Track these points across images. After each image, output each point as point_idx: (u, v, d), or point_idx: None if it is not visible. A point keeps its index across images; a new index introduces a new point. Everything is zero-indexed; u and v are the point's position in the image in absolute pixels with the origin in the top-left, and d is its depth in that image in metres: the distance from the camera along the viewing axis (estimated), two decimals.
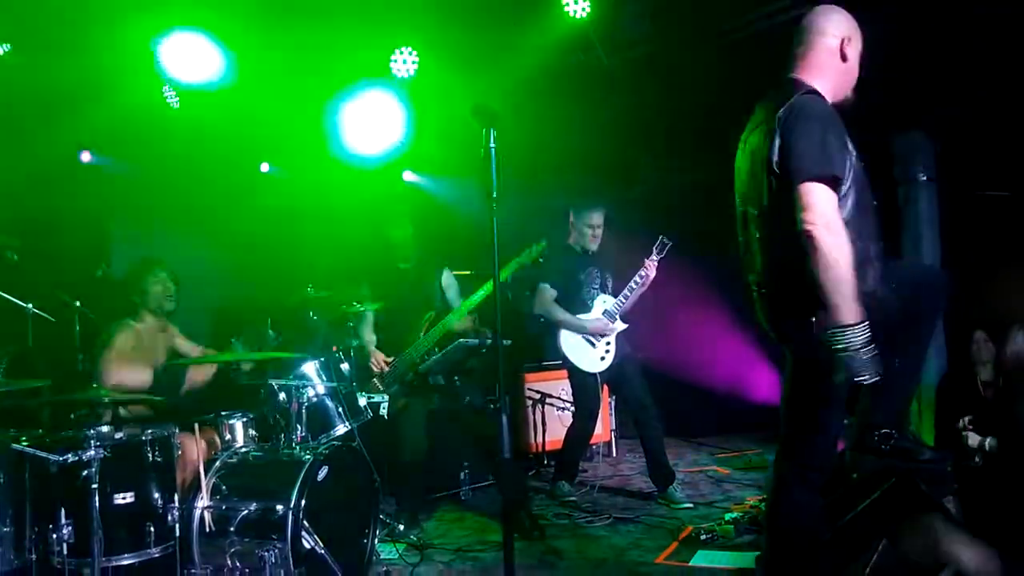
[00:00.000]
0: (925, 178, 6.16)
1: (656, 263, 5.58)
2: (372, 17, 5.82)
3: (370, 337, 5.29)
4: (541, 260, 5.30)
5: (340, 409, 4.42)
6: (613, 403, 7.23)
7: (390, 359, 5.20)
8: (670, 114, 7.05)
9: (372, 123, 6.62)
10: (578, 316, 5.56)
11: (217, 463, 3.90)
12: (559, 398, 6.78)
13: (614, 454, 7.35)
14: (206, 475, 3.81)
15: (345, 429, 4.43)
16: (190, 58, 5.66)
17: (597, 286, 5.65)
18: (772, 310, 3.00)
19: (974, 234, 5.94)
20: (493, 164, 2.97)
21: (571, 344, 5.57)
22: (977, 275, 5.68)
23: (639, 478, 6.28)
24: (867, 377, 2.68)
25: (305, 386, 4.24)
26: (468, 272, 6.04)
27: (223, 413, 4.12)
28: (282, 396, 4.18)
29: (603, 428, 7.21)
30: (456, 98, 6.24)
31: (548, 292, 5.55)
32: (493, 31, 6.22)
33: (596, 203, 5.66)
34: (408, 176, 7.78)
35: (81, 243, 6.40)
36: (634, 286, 5.58)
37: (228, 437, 4.11)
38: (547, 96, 6.94)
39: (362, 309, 4.96)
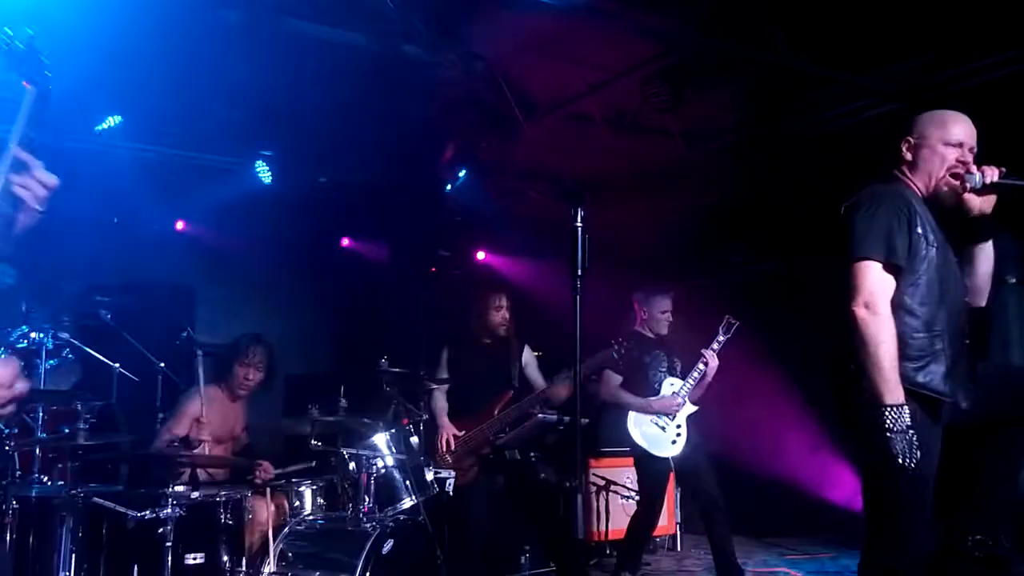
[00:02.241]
0: (1014, 280, 6.00)
1: (716, 350, 5.48)
2: None
3: (440, 409, 5.26)
4: (619, 361, 5.27)
5: (408, 482, 4.42)
6: (679, 494, 7.06)
7: (460, 433, 5.16)
8: (748, 204, 7.08)
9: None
10: (648, 398, 5.50)
11: (286, 529, 3.94)
12: (624, 486, 6.66)
13: (679, 548, 7.14)
14: (274, 540, 3.84)
15: (412, 503, 4.42)
16: None
17: (664, 369, 5.59)
18: (835, 393, 2.98)
19: None
20: (580, 242, 3.02)
21: (641, 427, 5.49)
22: None
23: (704, 574, 6.07)
24: (906, 462, 2.67)
25: (375, 457, 4.27)
26: (538, 353, 6.04)
27: (294, 479, 4.18)
28: (352, 465, 4.22)
29: (668, 520, 7.03)
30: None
31: (613, 378, 5.53)
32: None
33: (663, 288, 5.66)
34: (481, 256, 7.92)
35: (171, 309, 6.64)
36: (702, 367, 5.49)
37: (297, 503, 4.16)
38: (629, 183, 7.05)
39: (433, 387, 4.99)
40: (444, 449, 5.09)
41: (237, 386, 4.72)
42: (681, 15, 5.08)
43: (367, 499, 4.16)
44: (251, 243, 6.78)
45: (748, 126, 6.48)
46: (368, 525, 3.91)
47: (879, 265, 2.81)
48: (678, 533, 7.16)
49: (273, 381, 4.96)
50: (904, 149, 3.08)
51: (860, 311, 2.77)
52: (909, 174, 3.06)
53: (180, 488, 3.75)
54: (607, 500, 6.64)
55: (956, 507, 3.22)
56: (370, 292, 7.16)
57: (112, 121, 5.80)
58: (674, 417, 5.48)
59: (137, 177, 5.89)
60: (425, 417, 4.86)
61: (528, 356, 5.46)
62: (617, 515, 6.53)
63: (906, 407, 2.71)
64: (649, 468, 5.53)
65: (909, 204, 2.93)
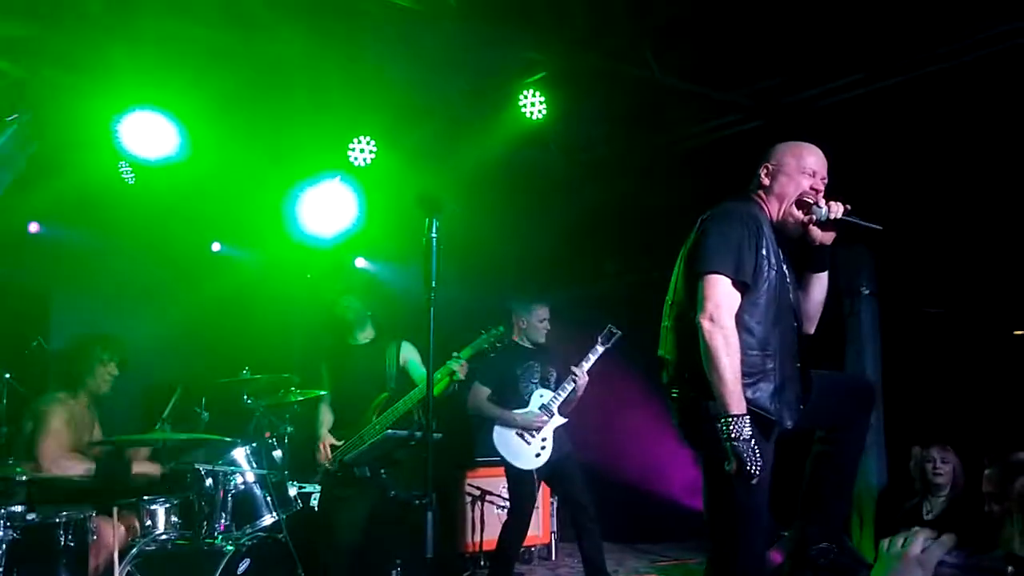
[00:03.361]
0: (868, 292, 6.31)
1: (593, 360, 5.45)
2: (331, 105, 5.91)
3: (324, 421, 5.11)
4: (499, 345, 5.23)
5: (268, 498, 4.29)
6: (555, 503, 7.12)
7: (339, 444, 5.02)
8: (623, 215, 7.20)
9: (326, 208, 6.65)
10: (513, 411, 5.48)
11: (133, 550, 3.75)
12: (499, 495, 6.65)
13: (553, 557, 7.19)
14: (120, 563, 3.65)
15: (272, 519, 4.29)
16: (149, 135, 5.67)
17: (536, 380, 5.57)
18: (679, 407, 3.05)
19: (914, 348, 6.06)
20: (434, 254, 2.99)
21: (504, 439, 5.46)
22: (917, 389, 5.80)
23: None
24: (750, 468, 2.74)
25: (233, 472, 4.12)
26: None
27: (145, 497, 3.98)
28: (208, 482, 4.05)
29: (543, 530, 7.08)
30: (412, 188, 6.32)
31: (481, 390, 5.50)
32: (452, 125, 6.37)
33: (539, 296, 5.69)
34: (360, 263, 7.78)
35: (20, 315, 6.25)
36: (575, 378, 5.47)
37: (149, 523, 3.97)
38: (503, 191, 7.08)
39: (301, 398, 4.85)
40: (324, 459, 4.95)
41: (98, 388, 4.49)
42: (552, 28, 5.15)
43: (224, 516, 4.02)
44: (111, 246, 6.46)
45: (620, 138, 6.61)
46: (223, 544, 3.76)
47: (728, 280, 2.89)
48: (553, 542, 7.21)
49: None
50: (763, 174, 3.19)
51: (706, 323, 2.84)
52: (764, 197, 3.17)
53: (15, 508, 3.50)
54: (482, 511, 6.63)
55: (800, 516, 3.32)
56: (241, 299, 6.92)
57: None
58: (539, 430, 5.47)
59: None
60: (290, 430, 4.74)
61: (409, 351, 5.31)
62: (492, 525, 6.51)
63: (747, 417, 2.79)
64: (516, 479, 5.53)
65: (759, 225, 3.03)
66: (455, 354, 4.94)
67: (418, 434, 4.57)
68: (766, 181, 3.17)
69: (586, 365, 5.45)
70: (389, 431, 4.68)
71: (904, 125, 5.37)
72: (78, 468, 4.23)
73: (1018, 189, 5.25)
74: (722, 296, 2.87)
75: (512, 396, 5.51)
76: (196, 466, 4.06)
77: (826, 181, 3.17)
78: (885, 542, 1.83)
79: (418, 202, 3.02)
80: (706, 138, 6.22)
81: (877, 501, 5.30)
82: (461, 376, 4.88)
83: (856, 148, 5.35)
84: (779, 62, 5.40)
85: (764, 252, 2.98)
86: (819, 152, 3.19)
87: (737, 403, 2.78)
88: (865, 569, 3.35)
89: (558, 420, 5.51)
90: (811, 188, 3.11)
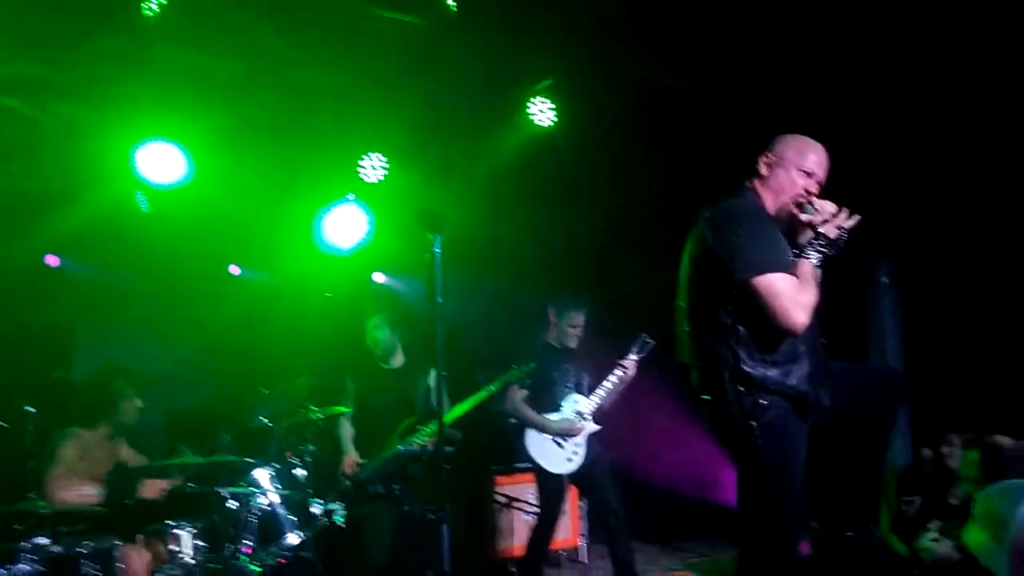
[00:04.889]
0: (888, 281, 6.23)
1: (635, 362, 5.48)
2: (344, 124, 5.96)
3: (347, 436, 5.12)
4: (528, 382, 5.22)
5: (292, 518, 4.30)
6: (585, 507, 7.09)
7: (363, 461, 5.05)
8: (639, 218, 7.17)
9: (343, 226, 6.70)
10: (547, 415, 5.46)
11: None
12: (527, 502, 6.62)
13: (585, 560, 7.15)
14: None
15: (298, 539, 4.30)
16: (163, 163, 5.75)
17: (571, 385, 5.54)
18: (710, 410, 3.02)
19: (936, 337, 5.98)
20: (439, 269, 2.98)
21: (537, 444, 5.44)
22: (940, 377, 5.72)
23: None
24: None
25: (255, 494, 4.15)
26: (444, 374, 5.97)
27: (169, 523, 4.01)
28: (231, 504, 4.08)
29: (572, 533, 7.04)
30: (427, 202, 6.35)
31: (517, 391, 5.47)
32: (463, 138, 6.40)
33: (579, 301, 5.61)
34: (379, 278, 7.81)
35: (45, 348, 6.35)
36: (609, 386, 5.43)
37: (174, 548, 4.00)
38: (518, 200, 7.09)
39: (322, 416, 4.87)
40: (349, 475, 4.97)
41: (122, 422, 4.54)
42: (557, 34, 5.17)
43: (249, 538, 4.04)
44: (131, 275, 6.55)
45: (633, 141, 6.59)
46: (249, 565, 3.79)
47: (778, 275, 2.86)
48: (582, 545, 7.18)
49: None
50: (762, 164, 3.14)
51: (788, 320, 2.84)
52: (760, 188, 3.12)
53: (41, 540, 3.55)
54: (511, 517, 6.61)
55: (829, 507, 3.30)
56: (259, 321, 6.98)
57: None
58: (575, 437, 5.43)
59: None
60: (312, 448, 4.76)
61: (434, 379, 5.33)
62: (521, 532, 6.50)
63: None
64: (546, 483, 5.50)
65: (768, 215, 3.03)
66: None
67: (430, 448, 4.57)
68: (764, 172, 3.12)
69: (630, 366, 5.42)
70: (400, 447, 4.68)
71: (922, 114, 5.31)
72: (81, 493, 4.23)
73: None
74: (783, 289, 2.84)
75: (547, 399, 5.46)
76: (217, 489, 4.09)
77: (823, 184, 3.11)
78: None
79: (419, 218, 3.02)
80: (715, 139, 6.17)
81: (898, 488, 5.21)
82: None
83: (874, 136, 5.31)
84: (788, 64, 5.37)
85: (783, 241, 2.98)
86: (822, 151, 3.12)
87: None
88: (891, 558, 3.32)
89: (592, 426, 5.47)
90: (804, 190, 3.06)
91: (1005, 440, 4.42)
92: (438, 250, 2.99)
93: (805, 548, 3.41)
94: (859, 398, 3.16)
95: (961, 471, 4.56)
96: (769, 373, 2.88)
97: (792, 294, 2.84)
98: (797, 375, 2.91)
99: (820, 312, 3.09)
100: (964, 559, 4.40)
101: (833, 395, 3.02)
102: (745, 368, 2.87)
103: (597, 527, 6.62)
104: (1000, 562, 1.52)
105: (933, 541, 4.68)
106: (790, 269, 2.89)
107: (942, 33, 4.80)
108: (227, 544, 4.03)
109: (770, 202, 3.10)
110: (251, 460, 4.33)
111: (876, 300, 6.20)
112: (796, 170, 3.08)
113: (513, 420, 5.56)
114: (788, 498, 2.92)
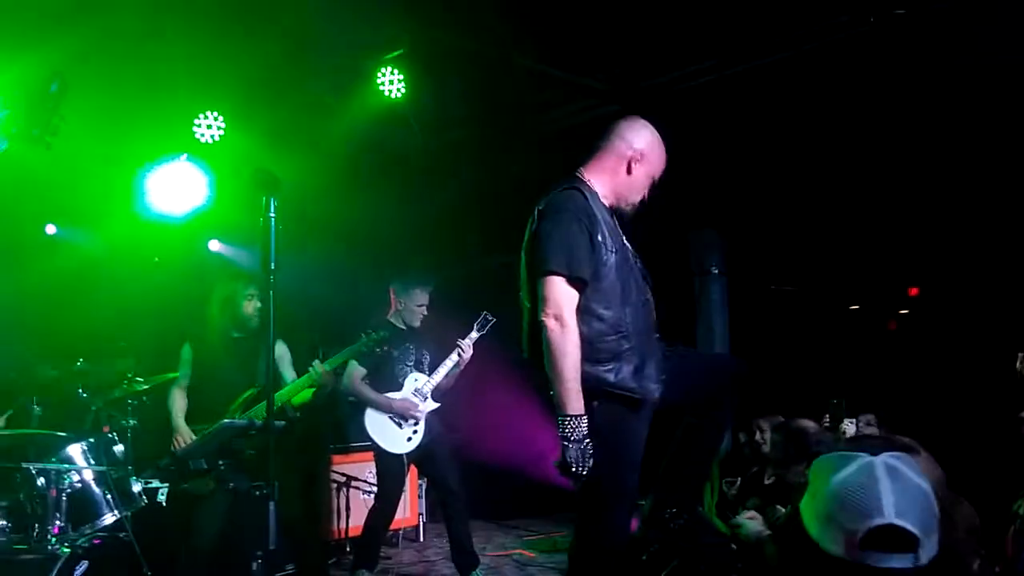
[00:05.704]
0: (717, 271, 6.54)
1: (472, 341, 5.46)
2: (177, 79, 5.59)
3: (179, 411, 4.79)
4: (380, 350, 5.10)
5: (109, 496, 4.01)
6: (423, 486, 7.07)
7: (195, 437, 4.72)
8: (487, 196, 7.18)
9: (175, 187, 6.32)
10: (387, 395, 5.39)
11: None
12: (365, 481, 6.54)
13: (422, 539, 7.15)
14: None
15: (114, 518, 4.02)
16: None
17: (411, 363, 5.49)
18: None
19: (762, 325, 6.35)
20: (273, 235, 2.84)
21: (376, 423, 5.37)
22: (764, 364, 6.06)
23: (444, 563, 6.11)
24: (577, 470, 2.80)
25: (68, 471, 3.84)
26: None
27: None
28: (40, 481, 3.76)
29: (411, 512, 7.02)
30: (266, 167, 6.08)
31: (357, 370, 5.36)
32: (308, 102, 6.17)
33: (424, 279, 5.54)
34: (215, 246, 7.42)
35: None
36: (450, 364, 5.41)
37: None
38: (364, 172, 6.93)
39: (146, 386, 4.57)
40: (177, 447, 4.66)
41: None
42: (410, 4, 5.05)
43: (58, 518, 3.74)
44: None
45: (482, 119, 6.58)
46: (57, 547, 3.51)
47: (563, 279, 2.88)
48: (420, 524, 7.17)
49: None
50: (627, 156, 3.10)
51: (549, 322, 2.85)
52: (597, 175, 3.12)
53: None
54: (348, 496, 6.50)
55: (657, 485, 3.40)
56: (80, 283, 6.46)
57: None
58: (414, 416, 5.39)
59: None
60: (133, 423, 4.46)
61: (281, 349, 5.08)
62: (358, 511, 6.38)
63: (584, 418, 2.82)
64: (385, 463, 5.44)
65: (590, 212, 2.99)
66: (316, 362, 4.76)
67: (258, 423, 4.36)
68: (620, 164, 3.11)
69: (467, 346, 5.40)
70: (226, 421, 4.44)
71: (754, 110, 5.57)
72: None
73: (858, 174, 5.55)
74: (560, 295, 2.86)
75: (387, 378, 5.40)
76: (24, 465, 3.75)
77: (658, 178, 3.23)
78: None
79: (253, 180, 2.85)
80: (565, 122, 6.27)
81: (721, 470, 5.50)
82: (327, 387, 4.70)
83: (710, 132, 5.53)
84: (635, 48, 5.48)
85: (600, 239, 2.96)
86: (662, 144, 3.20)
87: (575, 403, 2.81)
88: (711, 532, 3.48)
89: (431, 405, 5.45)
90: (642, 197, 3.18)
91: (809, 424, 4.74)
92: (272, 214, 2.83)
93: (633, 525, 3.51)
94: (699, 388, 3.24)
95: (770, 453, 4.86)
96: (595, 372, 2.92)
97: (561, 302, 2.85)
98: (623, 372, 2.94)
99: (654, 307, 3.19)
100: (774, 533, 4.69)
101: (670, 387, 3.09)
102: None
103: (435, 506, 6.64)
104: (811, 516, 1.60)
105: (749, 519, 4.96)
106: (579, 275, 2.89)
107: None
108: (34, 524, 3.71)
109: (610, 192, 3.13)
110: (63, 434, 4.00)
111: (706, 290, 6.50)
112: (647, 177, 3.14)
113: (352, 399, 5.46)
114: (622, 486, 3.00)
